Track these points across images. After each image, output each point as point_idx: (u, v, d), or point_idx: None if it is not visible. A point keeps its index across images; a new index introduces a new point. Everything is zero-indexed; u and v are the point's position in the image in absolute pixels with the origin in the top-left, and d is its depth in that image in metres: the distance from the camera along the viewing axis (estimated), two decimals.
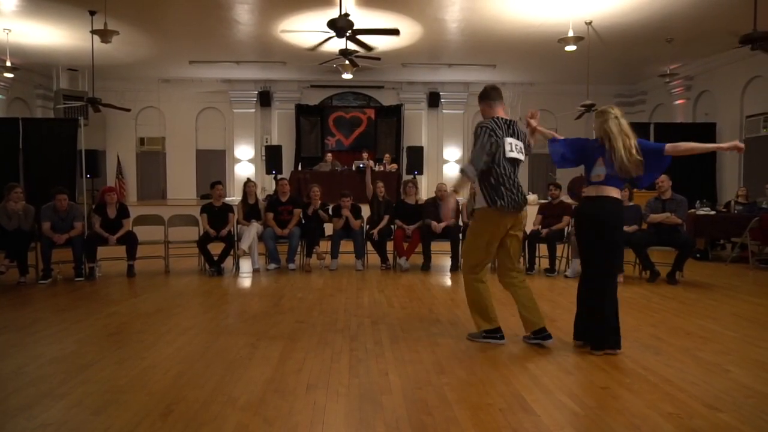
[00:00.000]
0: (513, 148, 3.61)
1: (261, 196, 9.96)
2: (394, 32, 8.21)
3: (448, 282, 6.35)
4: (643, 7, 8.19)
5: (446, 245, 7.03)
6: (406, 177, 12.01)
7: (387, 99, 14.62)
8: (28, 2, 8.20)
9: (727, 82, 10.90)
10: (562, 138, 3.82)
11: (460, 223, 7.13)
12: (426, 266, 6.94)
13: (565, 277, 6.48)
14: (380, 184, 7.44)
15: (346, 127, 14.47)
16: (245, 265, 7.20)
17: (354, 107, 14.62)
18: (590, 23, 8.78)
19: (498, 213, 3.58)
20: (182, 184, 14.40)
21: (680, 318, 4.52)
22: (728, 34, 7.10)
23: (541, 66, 12.15)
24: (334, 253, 7.04)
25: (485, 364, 3.36)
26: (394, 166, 12.87)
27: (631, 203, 6.56)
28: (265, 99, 14.32)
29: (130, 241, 6.59)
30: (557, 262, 6.79)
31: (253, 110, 14.47)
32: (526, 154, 3.75)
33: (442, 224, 6.84)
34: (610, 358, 3.43)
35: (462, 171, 3.55)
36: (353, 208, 7.21)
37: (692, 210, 7.74)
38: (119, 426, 2.47)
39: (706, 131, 11.05)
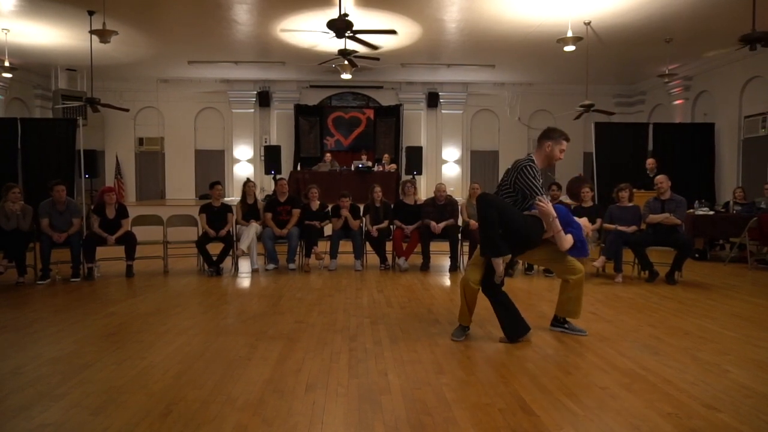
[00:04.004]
0: None
1: (260, 197, 9.97)
2: (391, 32, 8.28)
3: (447, 282, 6.35)
4: (642, 7, 8.19)
5: (445, 245, 7.03)
6: (405, 177, 12.01)
7: (386, 99, 14.61)
8: (27, 2, 8.18)
9: (725, 82, 10.90)
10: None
11: (459, 222, 7.13)
12: (425, 266, 6.94)
13: None
14: (377, 189, 7.30)
15: (345, 128, 14.46)
16: (244, 265, 7.20)
17: (353, 107, 14.62)
18: (589, 23, 8.78)
19: None
20: (181, 185, 14.38)
21: (679, 318, 4.52)
22: (728, 35, 7.11)
23: (540, 66, 12.15)
24: (333, 253, 7.04)
25: (484, 364, 3.37)
26: (393, 166, 12.86)
27: (630, 204, 6.57)
28: (264, 99, 14.31)
29: (129, 242, 6.59)
30: None
31: (252, 110, 14.46)
32: None
33: (441, 224, 6.85)
34: (609, 358, 3.44)
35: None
36: (352, 209, 7.20)
37: (691, 210, 7.74)
38: (118, 426, 2.47)
39: (704, 131, 11.08)
